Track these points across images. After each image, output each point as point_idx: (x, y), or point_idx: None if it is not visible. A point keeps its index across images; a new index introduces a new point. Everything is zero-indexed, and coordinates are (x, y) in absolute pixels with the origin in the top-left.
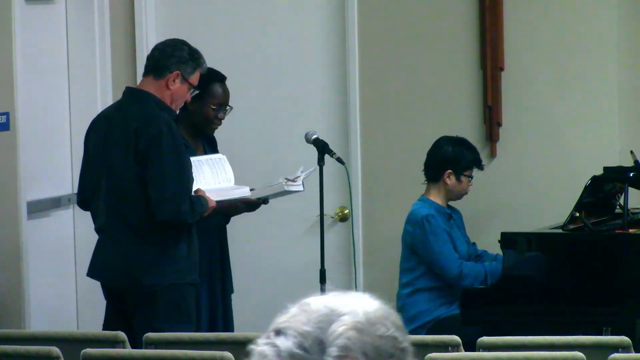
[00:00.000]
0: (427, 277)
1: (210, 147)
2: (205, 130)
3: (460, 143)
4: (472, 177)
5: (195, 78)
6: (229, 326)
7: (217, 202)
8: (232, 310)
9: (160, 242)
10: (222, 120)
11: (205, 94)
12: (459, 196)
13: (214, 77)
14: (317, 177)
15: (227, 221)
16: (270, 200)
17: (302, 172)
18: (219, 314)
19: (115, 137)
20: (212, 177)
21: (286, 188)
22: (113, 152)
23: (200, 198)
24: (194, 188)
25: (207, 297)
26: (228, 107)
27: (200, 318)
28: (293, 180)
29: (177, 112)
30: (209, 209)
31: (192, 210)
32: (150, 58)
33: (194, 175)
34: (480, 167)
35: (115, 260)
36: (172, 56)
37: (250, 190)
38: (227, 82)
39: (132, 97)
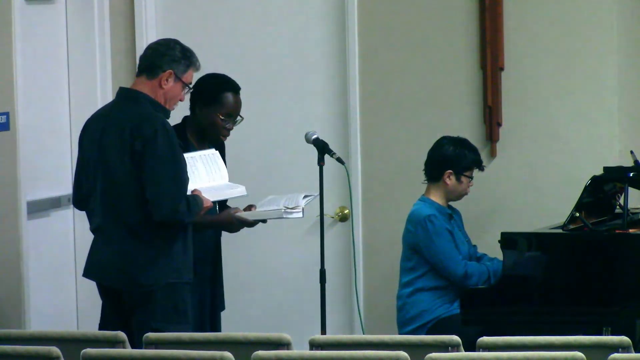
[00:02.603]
0: (427, 276)
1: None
2: (211, 138)
3: (461, 143)
4: (472, 178)
5: (188, 76)
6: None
7: (214, 208)
8: (221, 328)
9: (156, 241)
10: (230, 132)
11: (215, 101)
12: (459, 197)
13: (227, 86)
14: (317, 177)
15: (220, 238)
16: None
17: (303, 198)
18: (206, 331)
19: (111, 138)
20: (207, 174)
21: (285, 217)
22: (108, 152)
23: (196, 198)
24: (190, 187)
25: (194, 316)
26: (239, 118)
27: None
28: (292, 209)
29: (172, 111)
30: (203, 208)
31: (188, 210)
32: (143, 58)
33: (188, 173)
34: (481, 168)
35: (112, 260)
36: (164, 55)
37: (248, 206)
38: None
39: (126, 97)
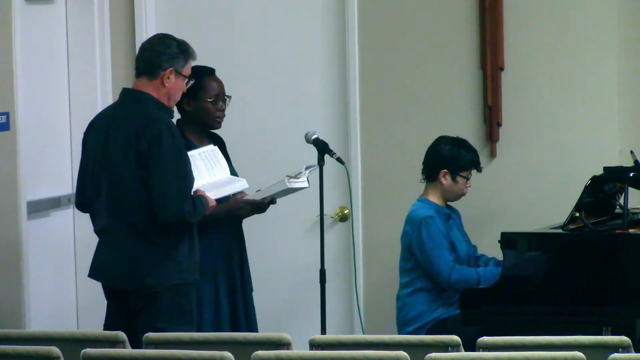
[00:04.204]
0: (426, 277)
1: (219, 148)
2: (211, 126)
3: (458, 143)
4: (468, 178)
5: (187, 69)
6: (251, 325)
7: (218, 200)
8: (255, 308)
9: (162, 242)
10: (224, 112)
11: (198, 90)
12: (455, 197)
13: (203, 72)
14: (317, 177)
15: (241, 220)
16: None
17: (305, 168)
18: (240, 314)
19: (115, 139)
20: (207, 170)
21: (289, 185)
22: (113, 154)
23: (200, 198)
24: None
25: (228, 299)
26: (227, 97)
27: (221, 322)
28: (295, 177)
29: (175, 107)
30: (209, 208)
31: (194, 210)
32: (140, 59)
33: None
34: (478, 168)
35: (118, 261)
36: (163, 54)
37: (256, 192)
38: (228, 82)
39: (129, 98)
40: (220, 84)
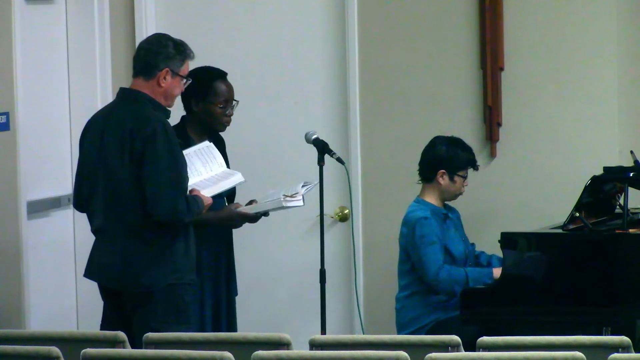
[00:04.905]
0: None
1: (219, 148)
2: (217, 128)
3: (454, 143)
4: (466, 177)
5: (185, 69)
6: (232, 329)
7: (214, 197)
8: (236, 312)
9: (158, 242)
10: (231, 117)
11: (208, 93)
12: (453, 196)
13: (214, 75)
14: (317, 177)
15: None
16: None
17: (302, 186)
18: (222, 317)
19: (111, 138)
20: (203, 166)
21: (284, 204)
22: (109, 153)
23: (195, 198)
24: (189, 184)
25: (212, 299)
26: (235, 102)
27: (204, 320)
28: (291, 197)
29: (172, 107)
30: (205, 207)
31: (187, 210)
32: (136, 59)
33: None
34: (475, 167)
35: (114, 261)
36: (158, 54)
37: (250, 201)
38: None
39: (126, 98)
40: (230, 88)
